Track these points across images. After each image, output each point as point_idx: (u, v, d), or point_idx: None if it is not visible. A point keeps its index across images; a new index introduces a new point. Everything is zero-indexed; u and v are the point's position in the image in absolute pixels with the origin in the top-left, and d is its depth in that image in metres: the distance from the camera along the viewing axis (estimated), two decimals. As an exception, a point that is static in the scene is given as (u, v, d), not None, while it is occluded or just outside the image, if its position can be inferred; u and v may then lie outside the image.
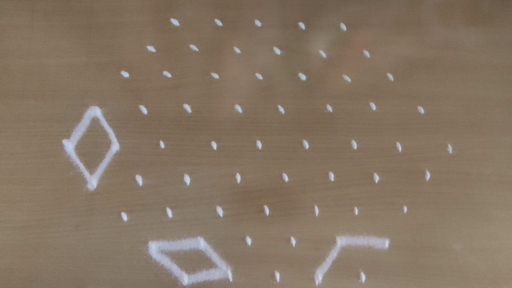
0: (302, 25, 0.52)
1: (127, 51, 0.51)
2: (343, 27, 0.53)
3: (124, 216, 0.48)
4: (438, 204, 0.49)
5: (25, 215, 0.48)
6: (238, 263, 0.48)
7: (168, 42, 0.51)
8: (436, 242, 0.49)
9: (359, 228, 0.49)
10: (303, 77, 0.51)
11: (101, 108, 0.50)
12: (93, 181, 0.48)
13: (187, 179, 0.49)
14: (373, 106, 0.51)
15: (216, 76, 0.51)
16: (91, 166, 0.49)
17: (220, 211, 0.48)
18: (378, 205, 0.49)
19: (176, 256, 0.48)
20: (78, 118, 0.49)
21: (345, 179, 0.50)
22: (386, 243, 0.48)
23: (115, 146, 0.49)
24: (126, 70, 0.51)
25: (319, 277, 0.48)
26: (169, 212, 0.48)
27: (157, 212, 0.48)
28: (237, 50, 0.52)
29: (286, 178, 0.49)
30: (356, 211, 0.49)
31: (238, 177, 0.49)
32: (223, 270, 0.48)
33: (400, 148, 0.50)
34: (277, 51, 0.52)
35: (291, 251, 0.48)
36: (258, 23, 0.52)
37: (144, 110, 0.50)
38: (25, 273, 0.47)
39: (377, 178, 0.50)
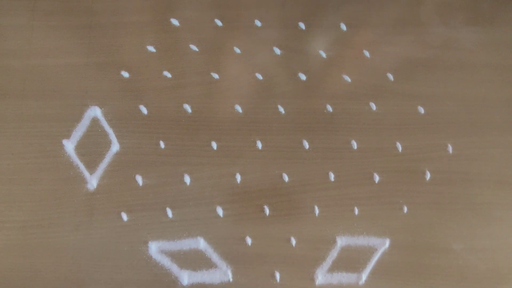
0: (302, 25, 0.52)
1: (127, 51, 0.51)
2: (343, 27, 0.53)
3: (124, 216, 0.48)
4: (438, 204, 0.49)
5: (25, 215, 0.48)
6: (238, 263, 0.48)
7: (168, 42, 0.51)
8: (436, 242, 0.49)
9: (359, 228, 0.49)
10: (303, 77, 0.51)
11: (101, 108, 0.50)
12: (93, 181, 0.48)
13: (187, 179, 0.49)
14: (373, 106, 0.51)
15: (216, 76, 0.51)
16: (91, 166, 0.49)
17: (220, 211, 0.48)
18: (378, 205, 0.49)
19: (176, 256, 0.48)
20: (78, 118, 0.49)
21: (345, 179, 0.50)
22: (386, 243, 0.48)
23: (115, 146, 0.49)
24: (126, 70, 0.51)
25: (319, 277, 0.48)
26: (169, 212, 0.48)
27: (157, 212, 0.48)
28: (237, 50, 0.52)
29: (286, 178, 0.49)
30: (356, 211, 0.49)
31: (238, 177, 0.49)
32: (223, 270, 0.48)
33: (400, 148, 0.50)
34: (277, 51, 0.52)
35: (291, 251, 0.48)
36: (258, 23, 0.52)
37: (144, 110, 0.50)
38: (25, 273, 0.47)
39: (377, 178, 0.50)
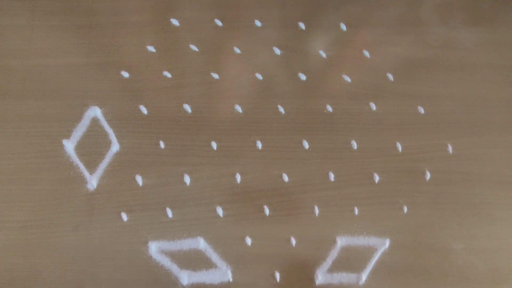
0: (302, 25, 0.52)
1: (127, 51, 0.51)
2: (343, 27, 0.53)
3: (124, 216, 0.48)
4: (438, 204, 0.49)
5: (25, 215, 0.48)
6: (238, 263, 0.48)
7: (168, 42, 0.51)
8: (436, 242, 0.49)
9: (359, 228, 0.49)
10: (303, 77, 0.51)
11: (101, 108, 0.50)
12: (93, 181, 0.48)
13: (187, 179, 0.49)
14: (373, 106, 0.51)
15: (216, 76, 0.51)
16: (91, 166, 0.49)
17: (220, 211, 0.48)
18: (378, 205, 0.49)
19: (176, 256, 0.48)
20: (78, 118, 0.49)
21: (345, 179, 0.50)
22: (386, 243, 0.48)
23: (115, 146, 0.49)
24: (126, 70, 0.51)
25: (319, 277, 0.48)
26: (169, 212, 0.48)
27: (157, 212, 0.48)
28: (237, 50, 0.52)
29: (286, 178, 0.49)
30: (356, 211, 0.49)
31: (238, 177, 0.49)
32: (223, 270, 0.48)
33: (400, 148, 0.50)
34: (277, 51, 0.52)
35: (291, 251, 0.48)
36: (258, 23, 0.52)
37: (144, 110, 0.50)
38: (25, 273, 0.47)
39: (377, 178, 0.50)
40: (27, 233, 0.48)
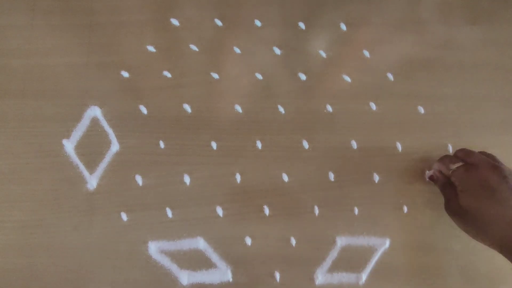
0: (302, 25, 0.52)
1: (127, 51, 0.51)
2: (343, 26, 0.53)
3: (124, 216, 0.48)
4: (438, 204, 0.49)
5: (25, 215, 0.48)
6: (238, 263, 0.48)
7: (168, 42, 0.51)
8: (436, 242, 0.49)
9: (359, 228, 0.49)
10: (303, 77, 0.51)
11: (101, 108, 0.50)
12: (93, 181, 0.48)
13: (187, 179, 0.49)
14: (373, 106, 0.51)
15: (216, 76, 0.51)
16: (91, 166, 0.49)
17: (220, 211, 0.48)
18: (378, 205, 0.49)
19: (176, 256, 0.48)
20: (78, 118, 0.49)
21: (345, 179, 0.50)
22: (386, 243, 0.48)
23: (115, 146, 0.49)
24: (126, 70, 0.51)
25: (319, 277, 0.48)
26: (169, 212, 0.48)
27: (157, 212, 0.48)
28: (237, 50, 0.52)
29: (286, 178, 0.49)
30: (356, 211, 0.49)
31: (238, 177, 0.49)
32: (223, 270, 0.48)
33: (400, 148, 0.50)
34: (277, 51, 0.52)
35: (291, 251, 0.48)
36: (258, 22, 0.52)
37: (144, 110, 0.50)
38: (25, 273, 0.47)
39: (377, 178, 0.50)
40: (27, 233, 0.47)
